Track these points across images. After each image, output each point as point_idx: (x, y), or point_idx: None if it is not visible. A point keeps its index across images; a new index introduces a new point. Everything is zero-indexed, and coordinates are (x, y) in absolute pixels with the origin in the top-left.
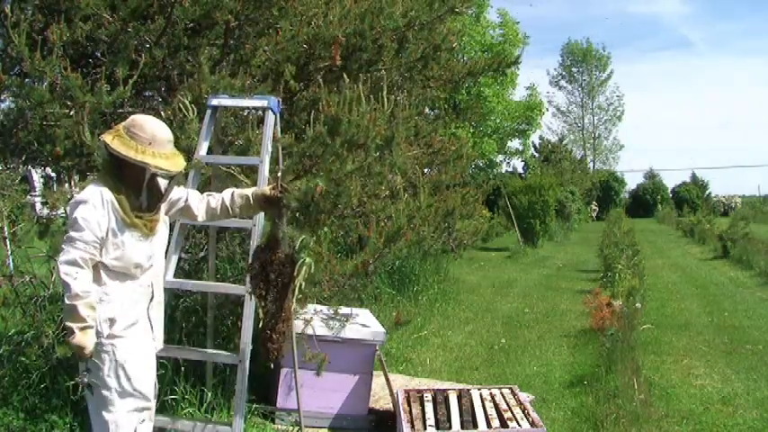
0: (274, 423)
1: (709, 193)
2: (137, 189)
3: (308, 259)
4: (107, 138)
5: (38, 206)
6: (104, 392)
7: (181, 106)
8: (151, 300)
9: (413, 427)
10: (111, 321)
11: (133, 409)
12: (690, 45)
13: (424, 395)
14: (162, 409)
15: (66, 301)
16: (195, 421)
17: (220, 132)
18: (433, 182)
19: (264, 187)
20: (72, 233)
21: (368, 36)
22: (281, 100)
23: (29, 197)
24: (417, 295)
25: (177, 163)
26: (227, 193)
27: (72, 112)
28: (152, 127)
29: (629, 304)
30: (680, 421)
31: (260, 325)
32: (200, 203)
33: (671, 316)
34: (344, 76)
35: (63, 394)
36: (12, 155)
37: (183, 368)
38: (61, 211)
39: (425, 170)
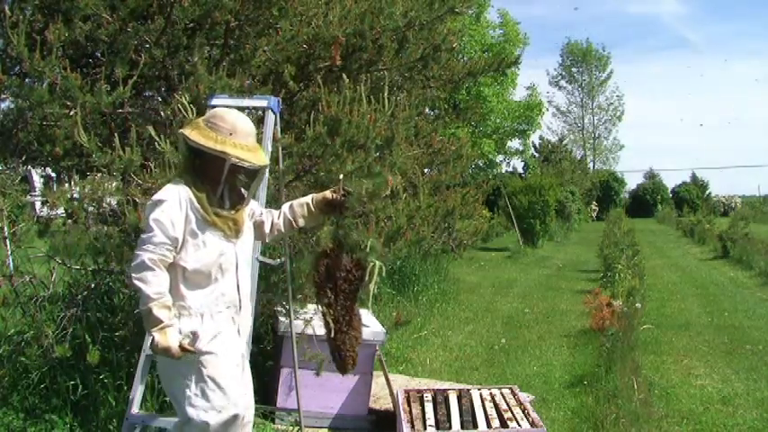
0: (274, 423)
1: (709, 193)
2: (216, 183)
3: (377, 262)
4: (185, 130)
5: (38, 206)
6: (193, 403)
7: (180, 107)
8: (239, 309)
9: (413, 427)
10: (194, 336)
11: (224, 420)
12: (689, 45)
13: (424, 395)
14: (162, 409)
15: (141, 307)
16: None
17: None
18: (433, 182)
19: (324, 192)
20: (143, 235)
21: (368, 36)
22: (280, 100)
23: (29, 197)
24: (417, 295)
25: (260, 157)
26: (285, 207)
27: (72, 113)
28: (233, 117)
29: (629, 304)
30: (680, 421)
31: (331, 335)
32: (267, 221)
33: (671, 316)
34: (344, 76)
35: (63, 394)
36: (12, 155)
37: None
38: (61, 210)
39: (425, 170)
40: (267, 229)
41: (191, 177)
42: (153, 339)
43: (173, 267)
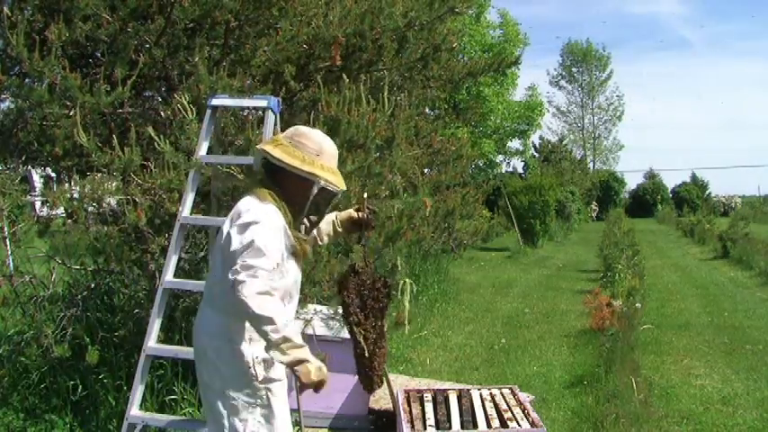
0: None
1: (709, 194)
2: (300, 207)
3: (406, 279)
4: (268, 147)
5: (38, 206)
6: (253, 430)
7: (180, 107)
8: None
9: (413, 427)
10: (267, 363)
11: None
12: (688, 45)
13: (424, 395)
14: (162, 409)
15: (274, 336)
16: (195, 421)
17: (220, 132)
18: (433, 182)
19: (349, 210)
20: (250, 260)
21: (368, 36)
22: (280, 100)
23: (29, 197)
24: (417, 295)
25: (342, 180)
26: None
27: (72, 113)
28: (320, 137)
29: (629, 304)
30: (680, 421)
31: (365, 354)
32: None
33: (671, 316)
34: (344, 76)
35: (63, 394)
36: (12, 155)
37: (181, 368)
38: (61, 210)
39: (425, 170)
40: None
41: (277, 199)
42: (297, 368)
43: None
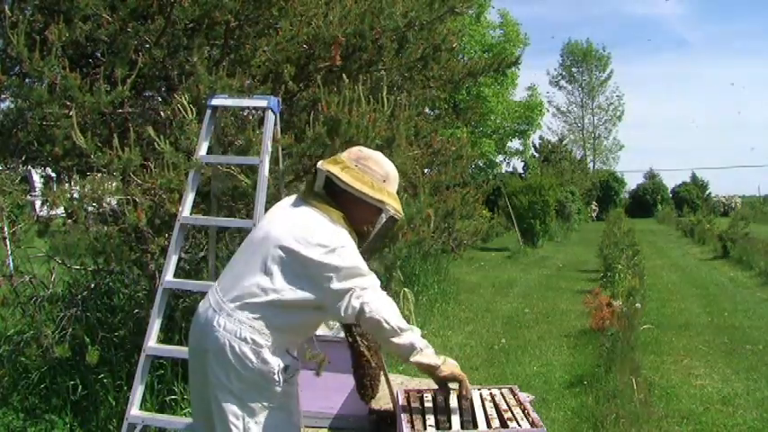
0: None
1: (709, 194)
2: (362, 232)
3: (405, 289)
4: (334, 168)
5: (38, 206)
6: None
7: (180, 107)
8: None
9: (413, 427)
10: (288, 370)
11: None
12: (688, 46)
13: (424, 395)
14: (161, 409)
15: (418, 345)
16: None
17: (220, 132)
18: (432, 182)
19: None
20: (365, 280)
21: (368, 36)
22: (280, 100)
23: (29, 197)
24: (417, 295)
25: (401, 207)
26: None
27: (71, 113)
28: (386, 163)
29: (629, 304)
30: (680, 421)
31: (371, 365)
32: None
33: (671, 316)
34: (344, 76)
35: (63, 394)
36: (12, 155)
37: (181, 368)
38: (61, 210)
39: (425, 170)
40: None
41: (346, 223)
42: (436, 372)
43: (313, 309)
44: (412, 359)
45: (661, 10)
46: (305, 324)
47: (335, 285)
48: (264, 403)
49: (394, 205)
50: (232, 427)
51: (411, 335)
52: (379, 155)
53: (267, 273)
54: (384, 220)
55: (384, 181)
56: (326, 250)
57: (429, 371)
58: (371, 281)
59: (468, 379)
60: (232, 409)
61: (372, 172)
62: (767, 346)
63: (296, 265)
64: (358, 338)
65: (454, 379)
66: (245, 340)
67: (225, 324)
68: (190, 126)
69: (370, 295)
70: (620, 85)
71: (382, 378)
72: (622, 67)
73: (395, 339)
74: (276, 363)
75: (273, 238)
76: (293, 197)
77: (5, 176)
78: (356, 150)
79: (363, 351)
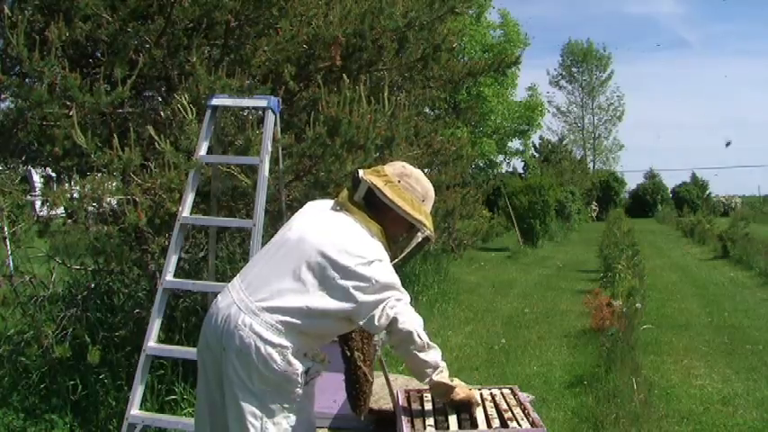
0: None
1: (709, 194)
2: (396, 246)
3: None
4: (377, 181)
5: (38, 206)
6: None
7: (180, 107)
8: None
9: (413, 427)
10: (308, 374)
11: None
12: (687, 45)
13: (424, 395)
14: (161, 409)
15: (441, 365)
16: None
17: (220, 132)
18: (432, 182)
19: None
20: (400, 294)
21: (368, 36)
22: (280, 100)
23: (29, 197)
24: (417, 295)
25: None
26: None
27: (71, 113)
28: (427, 183)
29: (629, 304)
30: (680, 421)
31: (362, 378)
32: None
33: (671, 316)
34: (344, 76)
35: (63, 394)
36: (12, 155)
37: (181, 368)
38: (61, 210)
39: (425, 170)
40: None
41: (383, 237)
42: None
43: (342, 319)
44: (434, 377)
45: (661, 10)
46: (331, 331)
47: (370, 297)
48: (284, 405)
49: (430, 226)
50: (250, 426)
51: (436, 353)
52: (419, 173)
53: (301, 277)
54: (420, 239)
55: (423, 200)
56: (365, 261)
57: (443, 391)
58: (404, 296)
59: (467, 381)
60: (251, 409)
61: (413, 190)
62: (767, 346)
63: (332, 274)
64: (355, 353)
65: (468, 401)
66: (270, 343)
67: (251, 324)
68: (190, 126)
69: (402, 307)
70: (621, 86)
71: (381, 379)
72: (623, 67)
73: (421, 354)
74: (299, 365)
75: (310, 243)
76: (328, 201)
77: (5, 176)
78: (400, 166)
79: (360, 365)
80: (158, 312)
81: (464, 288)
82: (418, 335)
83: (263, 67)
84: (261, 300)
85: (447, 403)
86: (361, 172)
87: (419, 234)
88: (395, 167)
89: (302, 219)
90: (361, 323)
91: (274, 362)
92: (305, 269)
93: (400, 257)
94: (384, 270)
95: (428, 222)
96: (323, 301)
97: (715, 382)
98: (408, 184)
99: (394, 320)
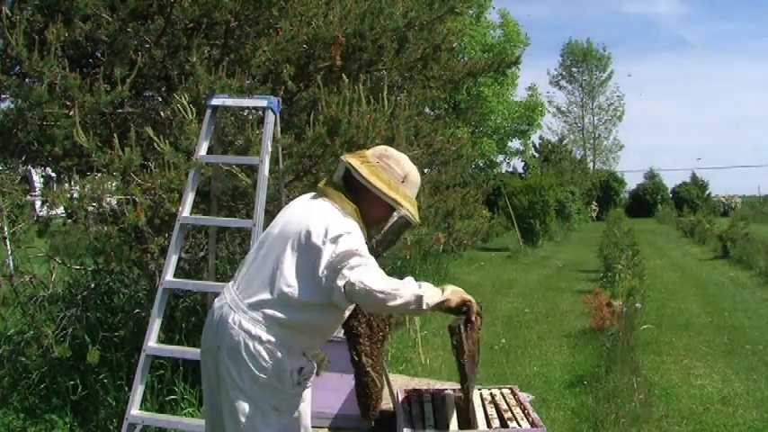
0: None
1: (709, 194)
2: (371, 228)
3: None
4: (354, 161)
5: (38, 206)
6: None
7: (180, 107)
8: None
9: (413, 427)
10: (301, 372)
11: None
12: (687, 45)
13: (424, 395)
14: (161, 409)
15: (419, 292)
16: (195, 421)
17: (220, 132)
18: (433, 182)
19: None
20: (353, 261)
21: (368, 36)
22: (280, 100)
23: (29, 197)
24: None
25: (417, 214)
26: None
27: (71, 113)
28: (408, 164)
29: (629, 304)
30: (680, 421)
31: (371, 383)
32: None
33: (671, 316)
34: (344, 76)
35: (63, 394)
36: (12, 155)
37: (182, 368)
38: (61, 210)
39: (425, 170)
40: None
41: (358, 218)
42: (444, 303)
43: (325, 307)
44: (424, 307)
45: (660, 10)
46: (319, 324)
47: (333, 271)
48: (276, 404)
49: (408, 207)
50: (242, 425)
51: (407, 288)
52: (403, 156)
53: (280, 270)
54: (395, 218)
55: (402, 182)
56: (331, 238)
57: (441, 309)
58: (364, 260)
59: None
60: (243, 407)
61: (392, 170)
62: (767, 346)
63: (306, 259)
64: (363, 357)
65: (464, 303)
66: (258, 339)
67: (240, 322)
68: (190, 126)
69: (360, 270)
70: (620, 86)
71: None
72: (622, 67)
73: (395, 303)
74: (291, 363)
75: (286, 234)
76: (311, 193)
77: (5, 176)
78: (382, 148)
79: (369, 370)
80: (158, 312)
81: (464, 288)
82: (375, 290)
83: (263, 67)
84: (248, 296)
85: (447, 313)
86: (343, 155)
87: (395, 214)
88: (377, 150)
89: (284, 214)
90: (333, 301)
91: (263, 359)
92: (283, 260)
93: (377, 239)
94: (347, 241)
95: (406, 203)
96: (302, 290)
97: (715, 381)
98: (387, 165)
99: (350, 290)
